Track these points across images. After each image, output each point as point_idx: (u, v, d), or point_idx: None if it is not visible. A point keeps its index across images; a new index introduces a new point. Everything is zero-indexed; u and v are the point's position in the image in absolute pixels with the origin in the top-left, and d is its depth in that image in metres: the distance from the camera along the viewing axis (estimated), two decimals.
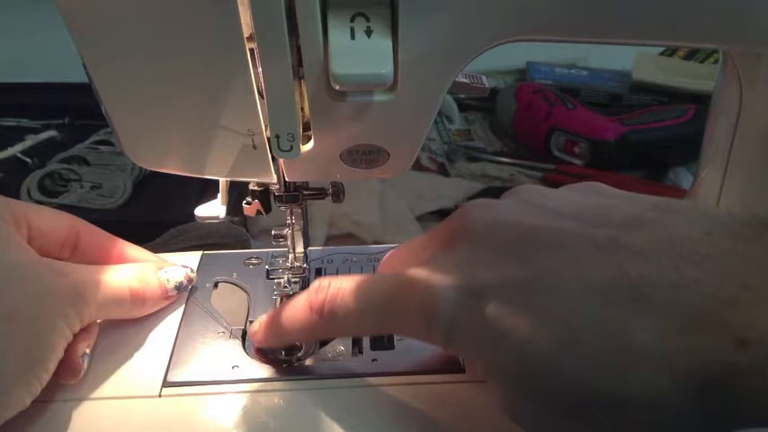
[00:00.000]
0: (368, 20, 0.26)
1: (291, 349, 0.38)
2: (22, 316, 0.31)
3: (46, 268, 0.34)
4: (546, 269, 0.27)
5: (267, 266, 0.43)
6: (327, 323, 0.33)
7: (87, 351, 0.36)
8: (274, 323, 0.35)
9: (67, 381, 0.35)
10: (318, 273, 0.44)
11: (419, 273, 0.30)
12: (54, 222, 0.38)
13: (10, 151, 0.68)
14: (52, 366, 0.33)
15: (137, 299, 0.38)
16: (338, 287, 0.33)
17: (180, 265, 0.41)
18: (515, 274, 0.28)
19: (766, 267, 0.24)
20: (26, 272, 0.33)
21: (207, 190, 0.43)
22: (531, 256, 0.28)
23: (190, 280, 0.41)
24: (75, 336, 0.34)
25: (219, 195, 0.40)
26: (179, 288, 0.40)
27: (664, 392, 0.24)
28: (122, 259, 0.40)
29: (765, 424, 0.23)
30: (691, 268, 0.25)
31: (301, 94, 0.29)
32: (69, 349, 0.34)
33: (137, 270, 0.38)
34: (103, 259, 0.39)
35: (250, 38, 0.27)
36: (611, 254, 0.26)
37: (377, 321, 0.32)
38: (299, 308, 0.34)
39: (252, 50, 0.27)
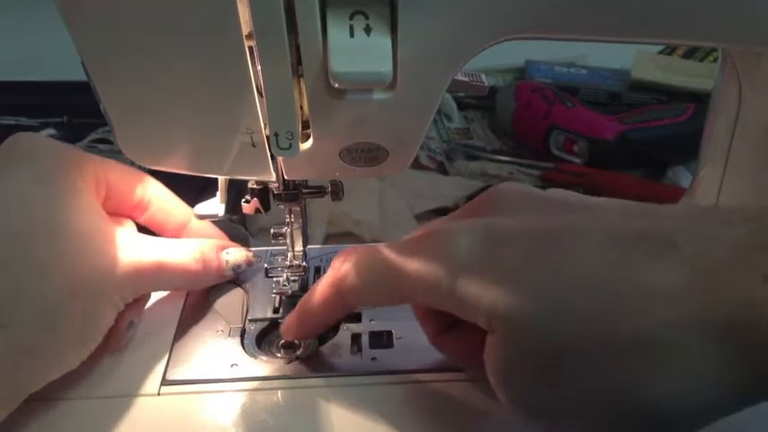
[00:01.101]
0: (367, 18, 0.26)
1: (291, 347, 0.38)
2: (83, 290, 0.33)
3: (114, 241, 0.35)
4: (570, 223, 0.27)
5: (266, 265, 0.43)
6: (346, 295, 0.32)
7: (134, 320, 0.37)
8: (304, 311, 0.35)
9: (111, 348, 0.36)
10: (318, 271, 0.44)
11: (440, 224, 0.30)
12: (131, 183, 0.38)
13: None
14: (101, 336, 0.34)
15: (193, 277, 0.39)
16: (355, 254, 0.32)
17: (243, 247, 0.42)
18: (539, 224, 0.27)
19: None
20: (96, 242, 0.34)
21: (206, 188, 0.43)
22: (557, 213, 0.28)
23: (249, 263, 0.42)
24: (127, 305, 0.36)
25: (218, 193, 0.40)
26: (236, 270, 0.41)
27: (682, 329, 0.23)
28: (188, 231, 0.41)
29: None
30: (722, 227, 0.25)
31: (300, 92, 0.29)
32: (118, 317, 0.35)
33: (198, 248, 0.39)
34: (171, 227, 0.40)
35: (249, 36, 0.27)
36: (644, 216, 0.27)
37: (392, 276, 0.30)
38: (321, 288, 0.34)
39: (251, 48, 0.27)
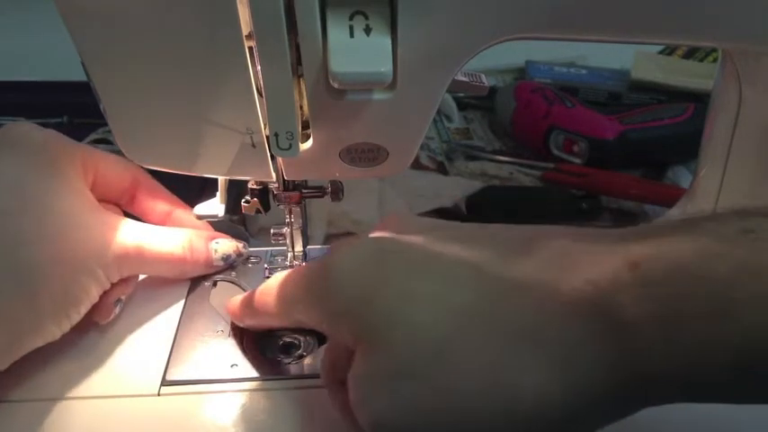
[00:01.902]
0: (367, 18, 0.26)
1: (291, 347, 0.38)
2: (65, 260, 0.33)
3: (100, 220, 0.36)
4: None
5: (266, 265, 0.43)
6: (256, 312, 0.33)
7: (122, 298, 0.38)
8: (248, 301, 0.35)
9: (99, 320, 0.37)
10: None
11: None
12: (120, 172, 0.40)
13: None
14: (84, 309, 0.35)
15: (179, 264, 0.40)
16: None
17: (233, 238, 0.43)
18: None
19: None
20: (81, 219, 0.35)
21: (206, 188, 0.43)
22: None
23: (239, 254, 0.43)
24: (114, 284, 0.37)
25: (218, 194, 0.41)
26: (225, 260, 0.42)
27: (549, 316, 0.23)
28: (174, 220, 0.42)
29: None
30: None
31: (300, 92, 0.29)
32: (105, 294, 0.36)
33: (187, 236, 0.40)
34: (157, 215, 0.41)
35: (249, 36, 0.27)
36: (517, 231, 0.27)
37: (288, 302, 0.30)
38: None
39: (251, 49, 0.27)
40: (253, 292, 0.34)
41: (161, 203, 0.41)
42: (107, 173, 0.39)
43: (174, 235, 0.40)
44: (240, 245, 0.43)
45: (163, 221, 0.41)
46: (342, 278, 0.27)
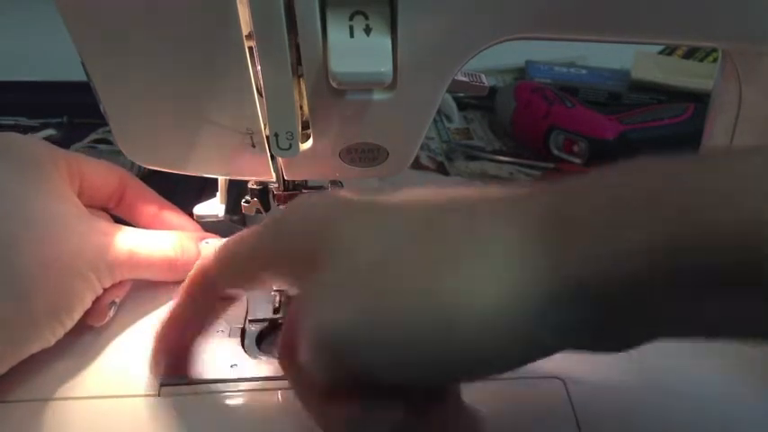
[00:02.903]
0: (367, 18, 0.26)
1: None
2: (56, 265, 0.33)
3: (89, 225, 0.36)
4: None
5: None
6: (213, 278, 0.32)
7: (116, 301, 0.38)
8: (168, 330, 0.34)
9: (93, 323, 0.37)
10: None
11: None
12: (105, 176, 0.40)
13: None
14: (77, 315, 0.35)
15: (171, 266, 0.39)
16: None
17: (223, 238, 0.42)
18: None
19: None
20: (69, 224, 0.35)
21: (206, 189, 0.43)
22: None
23: None
24: (107, 288, 0.36)
25: (218, 194, 0.40)
26: None
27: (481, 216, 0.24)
28: (163, 222, 0.41)
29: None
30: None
31: (300, 92, 0.29)
32: (98, 297, 0.36)
33: (177, 238, 0.40)
34: (145, 217, 0.41)
35: (249, 36, 0.27)
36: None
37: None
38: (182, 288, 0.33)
39: (251, 49, 0.27)
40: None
41: (149, 206, 0.41)
42: (93, 178, 0.39)
43: (164, 238, 0.39)
44: None
45: (152, 224, 0.41)
46: (289, 219, 0.28)
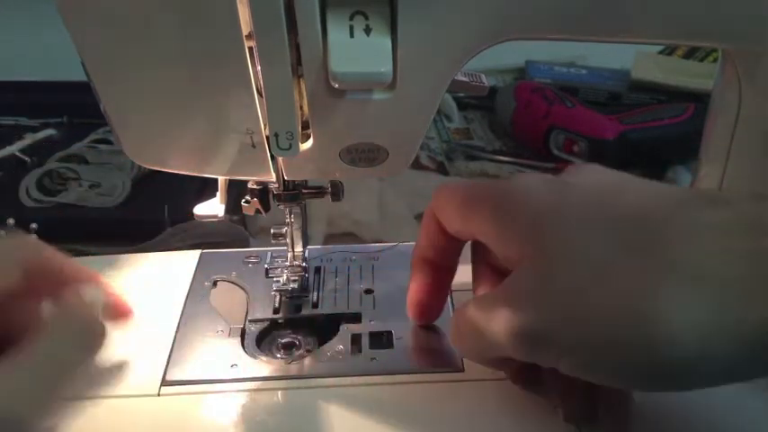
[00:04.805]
0: (367, 18, 0.26)
1: (291, 347, 0.38)
2: None
3: None
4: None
5: (266, 265, 0.43)
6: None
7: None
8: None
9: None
10: (318, 271, 0.44)
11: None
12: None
13: (8, 150, 0.68)
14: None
15: None
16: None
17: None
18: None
19: None
20: None
21: (206, 188, 0.43)
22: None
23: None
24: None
25: (218, 194, 0.40)
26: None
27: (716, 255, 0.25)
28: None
29: None
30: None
31: (300, 92, 0.29)
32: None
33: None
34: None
35: (249, 36, 0.27)
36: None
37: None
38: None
39: (251, 49, 0.27)
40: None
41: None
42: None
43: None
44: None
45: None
46: (524, 199, 0.30)
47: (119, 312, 0.35)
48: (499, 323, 0.28)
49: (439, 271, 0.37)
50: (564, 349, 0.26)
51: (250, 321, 0.40)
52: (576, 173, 0.32)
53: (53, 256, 0.34)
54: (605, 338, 0.25)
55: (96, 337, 0.31)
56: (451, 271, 0.37)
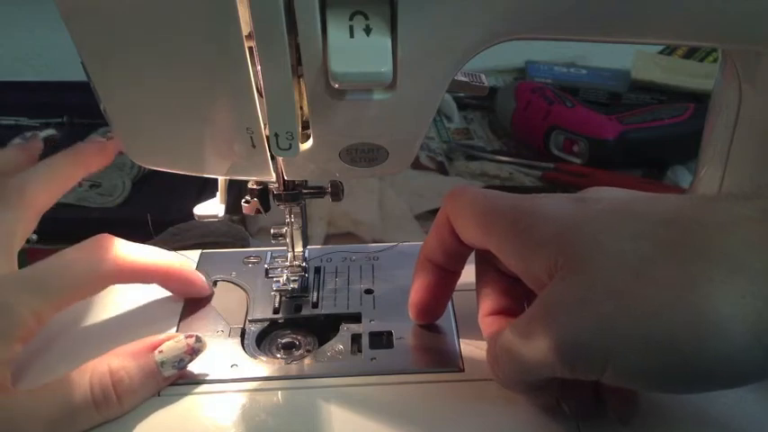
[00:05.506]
0: (367, 18, 0.26)
1: (291, 347, 0.38)
2: None
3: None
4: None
5: (266, 265, 0.43)
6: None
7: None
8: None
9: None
10: (318, 271, 0.44)
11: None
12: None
13: None
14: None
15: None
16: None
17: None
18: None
19: None
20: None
21: (206, 188, 0.43)
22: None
23: (193, 351, 0.35)
24: None
25: (218, 194, 0.40)
26: (179, 365, 0.35)
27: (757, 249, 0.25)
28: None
29: None
30: None
31: (300, 92, 0.29)
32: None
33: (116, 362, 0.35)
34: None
35: (249, 36, 0.27)
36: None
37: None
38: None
39: (251, 49, 0.27)
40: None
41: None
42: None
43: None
44: (191, 339, 0.35)
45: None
46: (547, 213, 0.30)
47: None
48: (540, 341, 0.28)
49: (444, 273, 0.37)
50: (610, 355, 0.26)
51: (250, 321, 0.40)
52: (592, 191, 0.32)
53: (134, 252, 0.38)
54: (652, 335, 0.25)
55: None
56: (457, 274, 0.37)
